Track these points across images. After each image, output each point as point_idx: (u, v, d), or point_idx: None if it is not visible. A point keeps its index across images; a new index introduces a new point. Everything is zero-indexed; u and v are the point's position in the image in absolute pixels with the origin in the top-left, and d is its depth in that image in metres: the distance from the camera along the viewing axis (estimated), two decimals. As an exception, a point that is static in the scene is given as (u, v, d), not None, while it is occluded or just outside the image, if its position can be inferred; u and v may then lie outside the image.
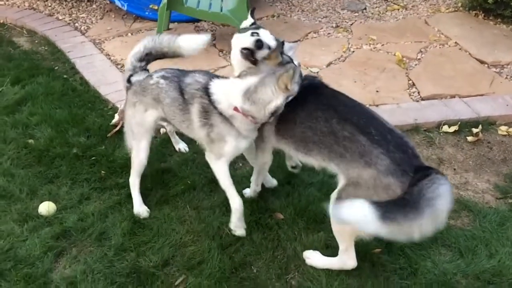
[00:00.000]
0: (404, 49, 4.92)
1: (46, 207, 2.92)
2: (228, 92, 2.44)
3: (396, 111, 3.92)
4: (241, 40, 2.59)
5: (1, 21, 5.91)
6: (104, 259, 2.65)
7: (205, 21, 5.60)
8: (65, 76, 4.60)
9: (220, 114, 2.46)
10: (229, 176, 2.65)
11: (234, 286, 2.50)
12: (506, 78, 4.38)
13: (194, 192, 3.10)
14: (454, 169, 3.31)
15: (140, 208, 2.94)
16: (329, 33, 5.44)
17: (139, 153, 2.87)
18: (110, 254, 2.68)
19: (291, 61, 2.48)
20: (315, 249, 2.67)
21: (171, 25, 5.53)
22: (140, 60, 2.86)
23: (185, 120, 2.62)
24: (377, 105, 4.02)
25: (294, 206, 2.95)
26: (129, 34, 5.50)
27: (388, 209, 1.97)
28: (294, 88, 2.34)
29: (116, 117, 3.81)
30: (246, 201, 2.94)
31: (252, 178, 2.98)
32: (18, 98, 4.16)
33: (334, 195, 2.32)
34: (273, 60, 2.40)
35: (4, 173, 3.27)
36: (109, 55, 5.03)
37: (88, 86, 4.43)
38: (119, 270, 2.58)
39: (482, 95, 4.11)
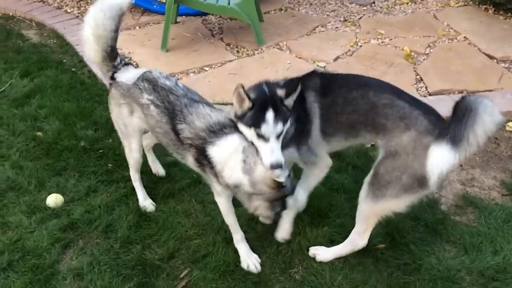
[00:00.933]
0: (412, 44, 4.89)
1: (53, 199, 2.96)
2: (228, 165, 2.28)
3: (403, 106, 3.89)
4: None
5: (11, 14, 5.96)
6: (110, 251, 2.68)
7: (212, 14, 5.60)
8: (73, 69, 4.64)
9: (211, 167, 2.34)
10: (231, 211, 2.57)
11: (238, 280, 2.52)
12: (515, 73, 4.34)
13: (199, 186, 3.11)
14: (461, 165, 3.29)
15: (145, 202, 2.96)
16: (337, 27, 5.42)
17: (132, 153, 2.83)
18: (116, 246, 2.71)
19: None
20: (319, 243, 2.68)
21: (179, 19, 5.55)
22: (111, 58, 2.67)
23: (180, 153, 2.50)
24: (384, 100, 4.00)
25: (299, 201, 2.96)
26: (137, 27, 5.52)
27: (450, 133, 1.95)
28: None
29: (123, 110, 3.84)
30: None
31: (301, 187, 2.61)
32: (27, 91, 4.20)
33: (368, 178, 2.33)
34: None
35: (12, 165, 3.31)
36: (117, 48, 5.03)
37: (96, 79, 4.46)
38: (125, 262, 2.61)
39: (490, 90, 4.08)
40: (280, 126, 2.17)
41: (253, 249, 2.69)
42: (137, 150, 2.81)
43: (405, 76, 4.37)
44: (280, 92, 2.22)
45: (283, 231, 2.69)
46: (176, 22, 5.46)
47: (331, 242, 2.70)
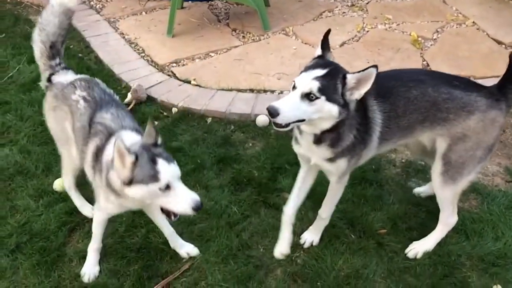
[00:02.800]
0: (420, 29, 4.84)
1: (60, 183, 3.01)
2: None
3: (409, 92, 3.88)
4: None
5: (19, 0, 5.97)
6: (115, 235, 2.74)
7: (219, 0, 5.57)
8: (80, 54, 4.66)
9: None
10: (101, 228, 2.48)
11: (240, 263, 2.56)
12: (523, 59, 4.28)
13: (203, 171, 3.15)
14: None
15: (83, 208, 2.83)
16: (344, 12, 5.37)
17: (72, 161, 2.59)
18: (121, 230, 2.76)
19: None
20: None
21: (185, 4, 5.51)
22: (50, 57, 2.56)
23: (83, 152, 2.35)
24: (389, 86, 3.99)
25: (302, 186, 2.98)
26: (144, 12, 5.51)
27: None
28: (125, 172, 1.97)
29: (129, 96, 3.87)
30: (256, 181, 2.99)
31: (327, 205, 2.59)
32: (34, 76, 4.22)
33: (438, 169, 2.36)
34: None
35: (20, 150, 3.36)
36: (123, 34, 5.05)
37: (102, 65, 4.49)
38: (129, 246, 2.67)
39: (497, 76, 3.98)
40: (314, 87, 1.97)
41: (256, 234, 2.73)
42: (77, 157, 2.51)
43: (412, 61, 4.33)
44: (350, 78, 2.00)
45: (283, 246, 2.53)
46: (182, 8, 5.43)
47: (333, 227, 2.73)
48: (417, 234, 2.66)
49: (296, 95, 1.98)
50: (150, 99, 3.97)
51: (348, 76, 1.99)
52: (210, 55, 4.61)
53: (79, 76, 2.59)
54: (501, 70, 4.03)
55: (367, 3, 5.53)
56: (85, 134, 2.32)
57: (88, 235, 2.74)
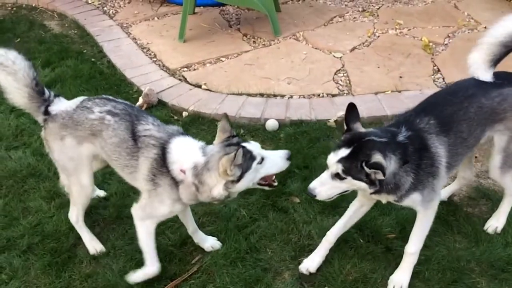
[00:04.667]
0: (431, 34, 4.83)
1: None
2: (185, 155, 2.21)
3: (419, 98, 3.80)
4: None
5: (34, 5, 6.09)
6: (125, 236, 2.77)
7: (230, 5, 5.61)
8: (93, 59, 4.74)
9: (170, 176, 2.23)
10: (152, 240, 2.43)
11: (248, 266, 2.57)
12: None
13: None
14: (476, 157, 3.26)
15: (91, 243, 2.70)
16: (355, 17, 5.39)
17: (83, 190, 2.53)
18: (131, 231, 2.77)
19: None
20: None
21: (197, 9, 5.59)
22: (39, 93, 2.42)
23: (130, 166, 2.34)
24: (399, 91, 3.99)
25: (310, 190, 2.98)
26: (156, 18, 5.58)
27: None
28: (236, 173, 2.09)
29: (141, 100, 3.93)
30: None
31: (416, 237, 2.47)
32: (48, 81, 4.31)
33: (498, 163, 2.48)
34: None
35: (34, 152, 3.42)
36: (135, 39, 5.13)
37: (114, 69, 4.56)
38: (138, 248, 2.66)
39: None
40: (339, 169, 2.08)
41: (264, 237, 2.74)
42: (89, 185, 2.53)
43: (422, 67, 4.32)
44: (376, 157, 2.01)
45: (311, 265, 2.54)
46: (194, 13, 5.50)
47: (341, 231, 2.73)
48: (427, 239, 2.62)
49: (328, 175, 2.14)
50: (161, 103, 4.02)
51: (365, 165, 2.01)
52: (221, 60, 4.65)
53: (77, 99, 2.48)
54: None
55: (378, 8, 5.54)
56: (130, 148, 2.29)
57: (98, 236, 2.78)
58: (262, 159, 2.16)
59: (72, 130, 2.38)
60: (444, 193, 2.88)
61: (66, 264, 2.62)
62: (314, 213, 2.85)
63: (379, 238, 2.67)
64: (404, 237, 2.66)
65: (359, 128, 2.16)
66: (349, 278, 2.48)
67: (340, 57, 4.56)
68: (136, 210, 2.38)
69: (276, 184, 2.30)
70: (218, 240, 2.72)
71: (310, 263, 2.53)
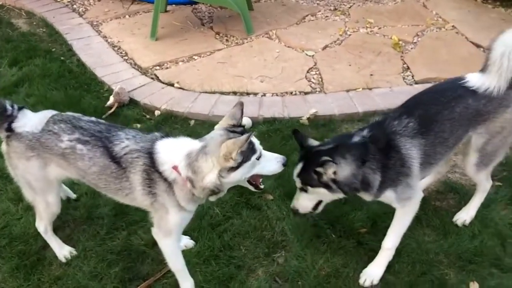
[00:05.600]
0: (400, 33, 4.92)
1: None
2: (174, 151, 2.12)
3: (389, 95, 3.94)
4: None
5: (0, 3, 5.93)
6: (96, 237, 2.73)
7: (202, 3, 5.59)
8: (62, 58, 4.64)
9: (164, 180, 2.12)
10: (180, 257, 2.35)
11: (222, 264, 2.57)
12: (501, 62, 4.37)
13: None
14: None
15: (62, 251, 2.63)
16: (326, 16, 5.44)
17: (49, 208, 2.45)
18: (102, 232, 2.75)
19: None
20: (302, 229, 2.73)
21: (169, 7, 5.55)
22: (2, 109, 2.25)
23: (123, 188, 2.21)
24: (370, 89, 4.05)
25: (283, 187, 3.00)
26: (127, 16, 5.51)
27: None
28: (238, 159, 1.98)
29: (111, 99, 3.87)
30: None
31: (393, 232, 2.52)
32: (15, 80, 4.21)
33: (474, 160, 2.52)
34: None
35: (0, 153, 3.32)
36: (106, 37, 5.05)
37: (84, 68, 4.48)
38: (110, 248, 2.66)
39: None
40: (298, 183, 2.34)
41: (238, 235, 2.74)
42: (56, 203, 2.45)
43: (392, 65, 4.40)
44: (321, 160, 2.15)
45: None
46: (166, 11, 5.45)
47: (314, 226, 2.76)
48: (396, 233, 2.69)
49: (299, 191, 2.39)
50: (133, 102, 3.98)
51: (318, 169, 2.19)
52: (194, 58, 4.62)
53: (40, 114, 2.32)
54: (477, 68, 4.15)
55: (349, 7, 5.61)
56: (115, 172, 2.17)
57: (69, 237, 2.74)
58: (260, 155, 2.10)
59: (40, 152, 2.25)
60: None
61: (35, 266, 2.57)
62: (287, 210, 2.86)
63: (351, 233, 2.71)
64: (375, 231, 2.71)
65: (312, 143, 2.35)
66: (321, 273, 2.51)
67: (312, 56, 4.60)
68: (156, 233, 2.28)
69: (262, 186, 2.24)
70: (191, 238, 2.70)
71: None
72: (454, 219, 2.78)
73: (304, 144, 2.35)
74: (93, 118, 2.34)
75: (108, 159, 2.17)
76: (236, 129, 2.12)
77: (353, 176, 2.21)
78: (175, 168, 2.07)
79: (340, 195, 2.30)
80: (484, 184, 2.72)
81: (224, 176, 2.02)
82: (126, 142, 2.18)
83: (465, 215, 2.77)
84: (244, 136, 1.94)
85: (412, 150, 2.30)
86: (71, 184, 3.03)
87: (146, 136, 2.23)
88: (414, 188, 2.38)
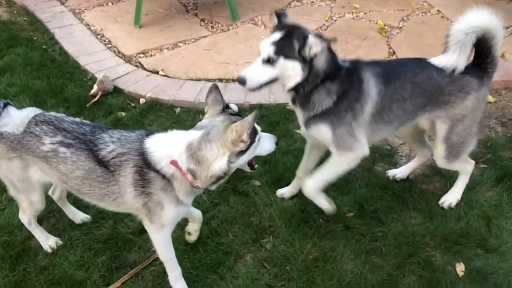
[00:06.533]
0: (386, 18, 4.91)
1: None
2: (170, 145, 2.03)
3: (375, 79, 3.93)
4: None
5: (-21, -9, 5.78)
6: (82, 227, 2.70)
7: (187, -11, 5.51)
8: (44, 46, 4.56)
9: (161, 177, 2.04)
10: (171, 248, 2.30)
11: (210, 251, 2.56)
12: (485, 45, 4.40)
13: (172, 160, 3.12)
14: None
15: (47, 242, 2.59)
16: (312, 2, 5.40)
17: (33, 206, 2.39)
18: (89, 221, 2.72)
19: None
20: (290, 214, 2.73)
21: (152, -6, 5.45)
22: None
23: (110, 193, 2.12)
24: (356, 74, 4.03)
25: (271, 173, 3.00)
26: (110, 3, 5.41)
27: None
28: (247, 141, 1.93)
29: (95, 87, 3.81)
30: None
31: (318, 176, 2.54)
32: (-5, 71, 4.12)
33: (442, 153, 2.53)
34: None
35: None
36: (88, 25, 4.96)
37: (67, 56, 4.40)
38: (97, 237, 2.64)
39: (461, 63, 4.12)
40: (271, 51, 2.15)
41: (225, 221, 2.73)
42: (40, 202, 2.37)
43: (378, 49, 4.39)
44: (307, 33, 2.15)
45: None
46: (149, -2, 5.37)
47: (302, 212, 2.76)
48: (384, 215, 2.71)
49: (259, 62, 2.21)
50: (117, 90, 3.92)
51: (307, 41, 2.12)
52: (179, 46, 4.56)
53: (23, 113, 2.22)
54: (464, 56, 4.17)
55: (335, -7, 5.57)
56: (102, 176, 2.08)
57: (54, 227, 2.71)
58: (260, 136, 2.06)
59: (21, 153, 2.16)
60: (405, 170, 2.98)
61: (20, 257, 2.53)
62: (275, 195, 2.86)
63: (338, 217, 2.71)
64: (362, 215, 2.73)
65: (288, 21, 2.25)
66: (309, 257, 2.52)
67: (298, 41, 4.57)
68: (148, 226, 2.22)
69: (256, 166, 2.19)
70: (179, 225, 2.66)
71: (285, 191, 2.83)
72: (440, 201, 2.80)
73: (283, 21, 2.25)
74: (77, 119, 2.24)
75: (94, 162, 2.07)
76: (231, 111, 2.09)
77: (323, 72, 2.21)
78: (173, 163, 2.00)
79: (297, 79, 2.20)
80: (464, 167, 2.74)
81: (233, 160, 1.97)
82: (112, 146, 2.08)
83: (451, 197, 2.79)
84: (250, 117, 1.87)
85: (372, 89, 2.30)
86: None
87: (131, 135, 2.13)
88: (357, 140, 2.36)
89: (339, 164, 2.44)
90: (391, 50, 4.39)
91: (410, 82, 2.36)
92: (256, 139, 2.01)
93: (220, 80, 4.04)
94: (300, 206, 2.78)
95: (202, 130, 1.98)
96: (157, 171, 2.02)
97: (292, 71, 2.19)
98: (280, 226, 2.69)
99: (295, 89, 2.27)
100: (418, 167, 3.04)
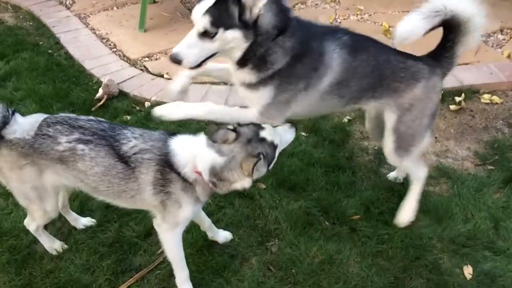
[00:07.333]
0: (391, 19, 4.88)
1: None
2: (194, 155, 2.04)
3: (381, 81, 3.91)
4: None
5: (-15, -3, 5.82)
6: (88, 230, 2.70)
7: (191, -7, 5.53)
8: (49, 51, 4.57)
9: (183, 180, 2.06)
10: (181, 248, 2.28)
11: (215, 254, 2.56)
12: (491, 46, 4.38)
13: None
14: (436, 137, 3.34)
15: (53, 245, 2.57)
16: (316, 4, 5.40)
17: (47, 215, 2.33)
18: (94, 225, 2.72)
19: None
20: (296, 217, 2.72)
21: (157, -2, 5.48)
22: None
23: (128, 189, 2.12)
24: (361, 76, 4.02)
25: (276, 176, 2.99)
26: (115, 8, 5.44)
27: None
28: (261, 171, 2.02)
29: (100, 91, 3.82)
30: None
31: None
32: (3, 74, 4.15)
33: (391, 145, 2.41)
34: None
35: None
36: (94, 29, 4.99)
37: (72, 61, 4.42)
38: (102, 240, 2.63)
39: (467, 64, 4.10)
40: (206, 22, 1.83)
41: (231, 224, 2.73)
42: (54, 209, 2.33)
43: (383, 51, 4.37)
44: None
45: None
46: (154, 2, 5.38)
47: (307, 214, 2.75)
48: (390, 218, 2.69)
49: (194, 36, 1.89)
50: (122, 94, 3.93)
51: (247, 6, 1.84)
52: (183, 49, 4.56)
53: (30, 119, 2.17)
54: (470, 57, 4.16)
55: (340, -5, 5.57)
56: (122, 172, 2.07)
57: (60, 231, 2.71)
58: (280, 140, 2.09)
59: (34, 159, 2.10)
60: (401, 173, 2.93)
61: (26, 261, 2.53)
62: (280, 198, 2.85)
63: (344, 219, 2.70)
64: (368, 217, 2.72)
65: None
66: (315, 260, 2.50)
67: (303, 44, 4.56)
68: (159, 225, 2.20)
69: None
70: (185, 230, 2.67)
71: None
72: (397, 221, 2.65)
73: None
74: (92, 117, 2.22)
75: (114, 158, 2.06)
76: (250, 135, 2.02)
77: (272, 29, 1.92)
78: (198, 173, 2.04)
79: (242, 48, 1.93)
80: (415, 172, 2.60)
81: (257, 176, 2.04)
82: (134, 141, 2.08)
83: (404, 216, 2.64)
84: (251, 164, 1.92)
85: (333, 60, 2.11)
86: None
87: (154, 133, 2.15)
88: (284, 115, 2.16)
89: (247, 118, 2.13)
90: (396, 52, 4.36)
91: (373, 58, 2.22)
92: (276, 154, 2.07)
93: (225, 83, 4.04)
94: (305, 209, 2.77)
95: (224, 159, 1.99)
96: (178, 174, 2.05)
97: (234, 42, 1.90)
98: (285, 229, 2.67)
99: (244, 57, 1.98)
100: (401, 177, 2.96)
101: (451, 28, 2.26)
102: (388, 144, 2.43)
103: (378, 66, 2.25)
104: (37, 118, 2.17)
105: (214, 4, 1.82)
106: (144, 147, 2.07)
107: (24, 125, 2.12)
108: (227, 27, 1.85)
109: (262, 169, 2.01)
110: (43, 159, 2.10)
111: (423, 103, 2.34)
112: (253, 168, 1.93)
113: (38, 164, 2.12)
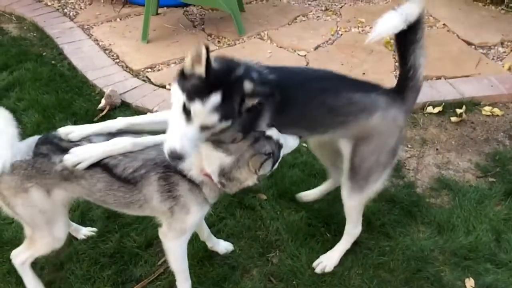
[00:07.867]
0: (392, 32, 4.92)
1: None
2: (200, 158, 2.01)
3: (382, 93, 3.93)
4: None
5: (-10, 8, 5.88)
6: (88, 241, 2.70)
7: (194, 5, 5.58)
8: (53, 62, 4.61)
9: (189, 181, 2.04)
10: (186, 259, 2.27)
11: (216, 265, 2.55)
12: (492, 59, 4.40)
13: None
14: (437, 149, 3.34)
15: None
16: (318, 16, 5.44)
17: (55, 243, 2.23)
18: (95, 235, 2.72)
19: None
20: (296, 228, 2.72)
21: (160, 10, 5.53)
22: None
23: (135, 200, 2.09)
24: (363, 87, 4.04)
25: (277, 187, 2.99)
26: (118, 19, 5.48)
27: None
28: (267, 170, 1.99)
29: (103, 101, 3.84)
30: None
31: None
32: (6, 84, 4.17)
33: (346, 175, 2.27)
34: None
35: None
36: (97, 40, 5.02)
37: (75, 71, 4.44)
38: (103, 251, 2.63)
39: (467, 76, 4.13)
40: (214, 119, 1.75)
41: (232, 235, 2.72)
42: (64, 237, 2.25)
43: (384, 63, 4.40)
44: (248, 86, 1.79)
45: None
46: (157, 14, 5.43)
47: (309, 226, 2.75)
48: (391, 230, 2.69)
49: (195, 129, 1.77)
50: (125, 105, 3.95)
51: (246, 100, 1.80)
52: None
53: (28, 140, 2.11)
54: (471, 70, 4.18)
55: (341, 7, 5.61)
56: (124, 186, 2.05)
57: (61, 241, 2.70)
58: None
59: (38, 180, 2.03)
60: (316, 192, 2.88)
61: (26, 271, 2.53)
62: (281, 209, 2.85)
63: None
64: (369, 229, 2.71)
65: (216, 65, 1.81)
66: (316, 272, 2.49)
67: (305, 55, 4.60)
68: (164, 234, 2.17)
69: None
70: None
71: None
72: (315, 264, 2.53)
73: (211, 69, 1.75)
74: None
75: (112, 176, 2.03)
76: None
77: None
78: (206, 174, 2.02)
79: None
80: (351, 225, 2.49)
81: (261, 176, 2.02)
82: (124, 160, 2.02)
83: (327, 260, 2.53)
84: (258, 163, 1.93)
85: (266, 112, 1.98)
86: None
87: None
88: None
89: None
90: (397, 64, 4.38)
91: (310, 104, 2.08)
92: (281, 154, 2.07)
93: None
94: (306, 220, 2.77)
95: (232, 157, 1.97)
96: (183, 175, 2.03)
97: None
98: (286, 240, 2.67)
99: None
100: (328, 191, 2.87)
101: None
102: (344, 175, 2.29)
103: (317, 109, 2.11)
104: (34, 138, 2.12)
105: (222, 101, 1.73)
106: (137, 165, 2.02)
107: (23, 148, 2.06)
108: (232, 121, 1.82)
109: (267, 167, 1.99)
110: (46, 179, 2.04)
111: (381, 136, 2.18)
112: (260, 165, 1.94)
113: (43, 184, 2.04)
